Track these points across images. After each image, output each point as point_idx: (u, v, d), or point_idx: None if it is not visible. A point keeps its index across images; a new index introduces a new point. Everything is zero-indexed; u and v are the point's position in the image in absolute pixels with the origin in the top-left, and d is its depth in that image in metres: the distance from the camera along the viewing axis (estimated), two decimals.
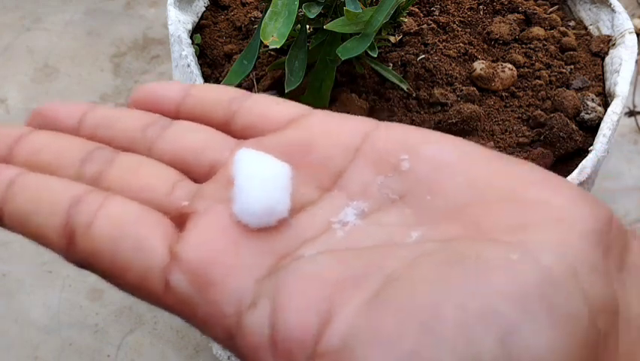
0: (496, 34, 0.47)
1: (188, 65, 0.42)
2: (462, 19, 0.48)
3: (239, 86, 0.42)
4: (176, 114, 0.26)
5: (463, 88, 0.43)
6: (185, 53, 0.42)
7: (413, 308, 0.18)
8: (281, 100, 0.25)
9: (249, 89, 0.43)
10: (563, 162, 0.41)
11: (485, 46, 0.47)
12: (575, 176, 0.38)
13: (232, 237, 0.21)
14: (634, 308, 0.19)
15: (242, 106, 0.25)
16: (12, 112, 0.71)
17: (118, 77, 0.74)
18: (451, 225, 0.21)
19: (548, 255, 0.18)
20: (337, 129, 0.23)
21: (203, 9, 0.49)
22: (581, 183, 0.39)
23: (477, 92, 0.43)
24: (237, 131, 0.25)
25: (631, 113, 0.61)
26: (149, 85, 0.27)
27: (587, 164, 0.39)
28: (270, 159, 0.22)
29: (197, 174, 0.24)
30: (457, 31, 0.47)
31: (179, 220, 0.23)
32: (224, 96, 0.26)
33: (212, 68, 0.45)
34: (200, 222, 0.22)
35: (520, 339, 0.17)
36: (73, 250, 0.22)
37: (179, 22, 0.44)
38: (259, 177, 0.22)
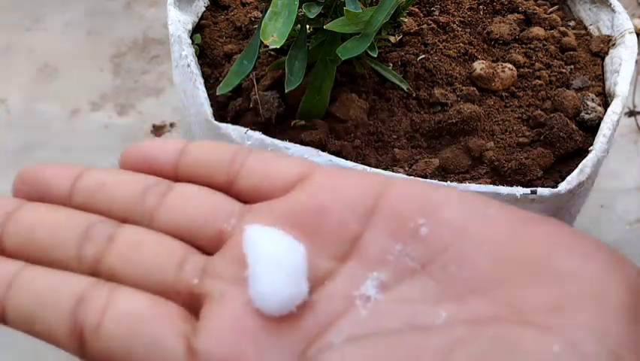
0: (496, 34, 0.47)
1: (188, 65, 0.42)
2: (462, 19, 0.48)
3: (239, 85, 0.42)
4: (174, 176, 0.24)
5: (463, 88, 0.43)
6: (185, 52, 0.42)
7: None
8: (282, 156, 0.24)
9: (249, 89, 0.43)
10: (563, 162, 0.41)
11: (485, 46, 0.47)
12: (575, 176, 0.38)
13: (252, 329, 0.20)
14: None
15: (244, 166, 0.24)
16: (12, 112, 0.71)
17: (118, 77, 0.74)
18: (480, 302, 0.19)
19: (589, 343, 0.18)
20: (347, 189, 0.22)
21: (203, 9, 0.49)
22: (580, 183, 0.38)
23: (477, 92, 0.43)
24: (242, 194, 0.24)
25: (631, 113, 0.61)
26: (140, 145, 0.25)
27: (587, 164, 0.39)
28: (283, 238, 0.21)
29: (204, 244, 0.23)
30: (457, 31, 0.47)
31: (191, 300, 0.21)
32: (224, 155, 0.24)
33: (212, 68, 0.45)
34: (216, 312, 0.21)
35: None
36: (86, 353, 0.21)
37: (179, 22, 0.44)
38: (273, 262, 0.21)
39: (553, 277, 0.19)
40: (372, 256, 0.21)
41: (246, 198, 0.24)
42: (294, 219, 0.22)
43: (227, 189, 0.24)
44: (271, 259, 0.21)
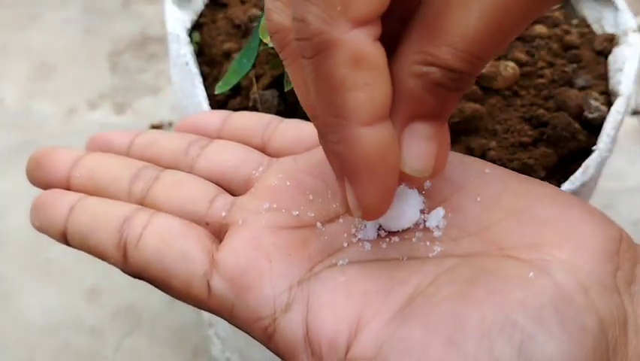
0: None
1: (187, 64, 0.42)
2: None
3: (238, 84, 0.41)
4: (217, 138, 0.29)
5: None
6: (183, 51, 0.42)
7: (438, 321, 0.20)
8: (308, 123, 0.28)
9: (249, 88, 0.43)
10: (567, 161, 0.41)
11: None
12: (578, 176, 0.38)
13: (265, 247, 0.23)
14: None
15: (276, 130, 0.28)
16: (9, 111, 0.71)
17: (115, 75, 0.74)
18: (471, 241, 0.22)
19: (561, 273, 0.20)
20: None
21: (202, 7, 0.48)
22: (584, 183, 0.38)
23: (479, 90, 0.43)
24: (273, 153, 0.28)
25: (635, 112, 0.61)
26: (192, 115, 0.30)
27: (590, 163, 0.38)
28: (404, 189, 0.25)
29: (235, 188, 0.27)
30: None
31: (219, 230, 0.25)
32: (261, 121, 0.29)
33: (210, 66, 0.45)
34: (236, 234, 0.24)
35: (536, 347, 0.19)
36: (127, 263, 0.24)
37: (178, 21, 0.44)
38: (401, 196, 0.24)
39: (536, 223, 0.22)
40: None
41: (275, 155, 0.28)
42: (315, 169, 0.26)
43: (262, 149, 0.28)
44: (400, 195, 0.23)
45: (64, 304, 0.55)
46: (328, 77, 0.17)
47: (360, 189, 0.19)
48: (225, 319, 0.23)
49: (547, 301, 0.19)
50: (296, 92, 0.21)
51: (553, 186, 0.24)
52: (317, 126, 0.21)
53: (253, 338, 0.23)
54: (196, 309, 0.56)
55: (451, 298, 0.20)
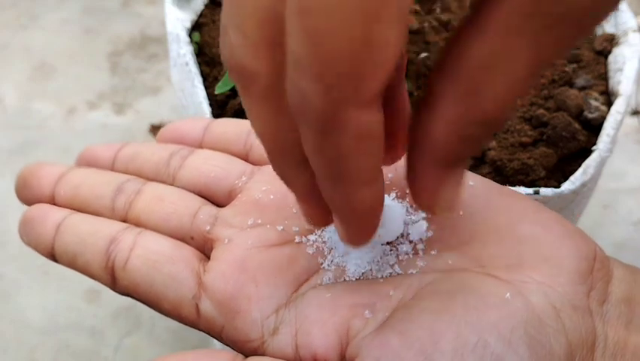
0: None
1: (187, 64, 0.41)
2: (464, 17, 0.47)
3: None
4: (199, 146, 0.29)
5: None
6: (183, 51, 0.42)
7: (415, 334, 0.20)
8: None
9: None
10: (566, 161, 0.41)
11: None
12: (578, 176, 0.38)
13: (251, 269, 0.24)
14: (610, 337, 0.21)
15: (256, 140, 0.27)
16: (9, 111, 0.70)
17: (115, 75, 0.74)
18: (453, 257, 0.23)
19: (536, 296, 0.21)
20: None
21: (202, 7, 0.48)
22: (584, 183, 0.38)
23: None
24: (255, 162, 0.28)
25: (635, 112, 0.61)
26: (174, 123, 0.30)
27: (590, 164, 0.38)
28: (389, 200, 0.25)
29: (218, 198, 0.27)
30: None
31: (204, 245, 0.25)
32: (242, 129, 0.28)
33: (210, 66, 0.45)
34: (223, 255, 0.24)
35: None
36: (116, 284, 0.25)
37: (178, 20, 0.44)
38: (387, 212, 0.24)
39: (516, 241, 0.23)
40: None
41: (259, 164, 0.27)
42: None
43: (244, 158, 0.28)
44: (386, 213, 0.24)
45: (64, 304, 0.55)
46: (332, 149, 0.17)
47: (350, 230, 0.20)
48: (216, 338, 0.24)
49: (519, 324, 0.20)
50: (254, 128, 0.20)
51: (533, 201, 0.25)
52: (271, 162, 0.20)
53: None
54: None
55: (429, 312, 0.21)
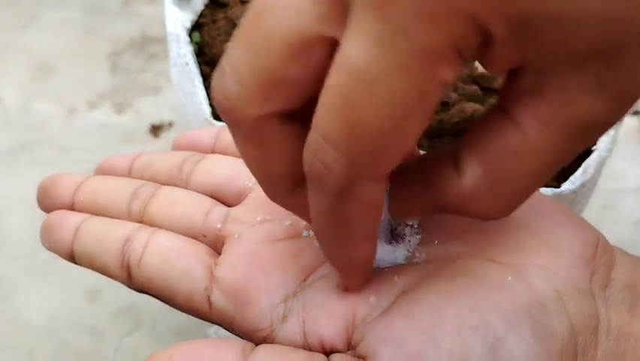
0: None
1: (187, 64, 0.41)
2: None
3: None
4: (211, 153, 0.30)
5: (465, 87, 0.43)
6: (183, 51, 0.42)
7: (419, 316, 0.21)
8: None
9: None
10: None
11: None
12: (578, 176, 0.38)
13: (261, 262, 0.25)
14: (613, 321, 0.21)
15: None
16: (9, 111, 0.70)
17: (115, 75, 0.74)
18: (456, 245, 0.24)
19: (538, 279, 0.22)
20: None
21: (202, 7, 0.48)
22: (584, 183, 0.38)
23: (479, 90, 0.43)
24: None
25: (635, 112, 0.61)
26: (187, 133, 0.32)
27: (590, 164, 0.38)
28: None
29: (228, 199, 0.28)
30: None
31: (215, 242, 0.26)
32: None
33: (210, 66, 0.45)
34: (233, 249, 0.25)
35: (505, 349, 0.20)
36: (132, 281, 0.26)
37: (178, 20, 0.44)
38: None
39: (517, 228, 0.23)
40: None
41: None
42: None
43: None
44: None
45: (64, 304, 0.55)
46: (339, 214, 0.19)
47: (348, 279, 0.22)
48: (226, 329, 0.25)
49: (521, 306, 0.21)
50: (245, 162, 0.22)
51: (536, 191, 0.25)
52: (264, 190, 0.22)
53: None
54: None
55: (433, 295, 0.21)
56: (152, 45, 0.77)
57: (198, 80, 0.41)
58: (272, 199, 0.22)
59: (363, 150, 0.17)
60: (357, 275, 0.22)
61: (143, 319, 0.54)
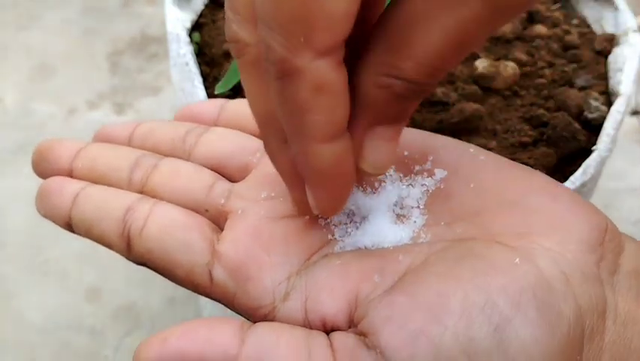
0: (499, 32, 0.46)
1: (187, 64, 0.42)
2: None
3: (237, 84, 0.41)
4: (214, 125, 0.29)
5: (465, 87, 0.43)
6: (183, 51, 0.42)
7: (423, 295, 0.21)
8: None
9: None
10: (566, 161, 0.41)
11: (487, 44, 0.46)
12: (578, 176, 0.38)
13: (264, 238, 0.24)
14: (621, 306, 0.21)
15: None
16: (9, 111, 0.70)
17: (115, 75, 0.74)
18: (463, 226, 0.23)
19: (545, 261, 0.21)
20: None
21: (202, 7, 0.48)
22: (584, 183, 0.38)
23: (479, 90, 0.43)
24: None
25: (635, 112, 0.61)
26: (190, 105, 0.31)
27: (590, 164, 0.38)
28: None
29: (232, 174, 0.27)
30: None
31: (218, 217, 0.26)
32: None
33: (211, 66, 0.45)
34: (236, 225, 0.25)
35: (510, 329, 0.20)
36: (131, 251, 0.25)
37: (178, 20, 0.44)
38: None
39: (525, 211, 0.23)
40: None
41: None
42: None
43: (258, 136, 0.28)
44: None
45: (64, 304, 0.55)
46: (291, 99, 0.19)
47: (317, 194, 0.22)
48: (227, 306, 0.24)
49: (527, 287, 0.20)
50: (247, 99, 0.22)
51: (543, 174, 0.25)
52: (261, 136, 0.23)
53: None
54: (196, 309, 0.56)
55: (438, 275, 0.21)
56: (152, 45, 0.77)
57: (198, 80, 0.41)
58: (268, 152, 0.22)
59: (291, 19, 0.18)
60: (328, 190, 0.21)
61: (142, 319, 0.54)
